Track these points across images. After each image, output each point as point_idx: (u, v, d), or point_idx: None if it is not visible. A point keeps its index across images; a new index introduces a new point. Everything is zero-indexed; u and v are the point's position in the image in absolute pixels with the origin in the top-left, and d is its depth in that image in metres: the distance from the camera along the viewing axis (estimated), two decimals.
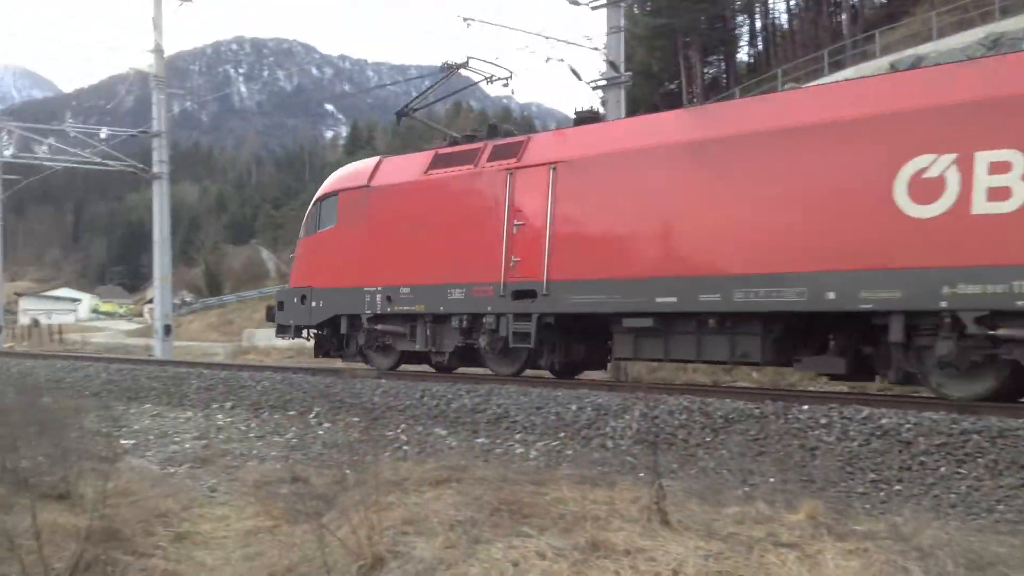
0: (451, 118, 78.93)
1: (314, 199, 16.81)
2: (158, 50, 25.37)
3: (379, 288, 14.63)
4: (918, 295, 9.23)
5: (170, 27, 24.77)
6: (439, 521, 5.38)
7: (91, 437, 10.20)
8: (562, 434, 9.64)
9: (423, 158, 14.93)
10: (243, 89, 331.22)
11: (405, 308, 14.26)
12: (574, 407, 10.03)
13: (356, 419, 11.49)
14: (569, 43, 16.92)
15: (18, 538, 5.18)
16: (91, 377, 16.85)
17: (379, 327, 14.83)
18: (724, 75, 47.34)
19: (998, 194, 8.76)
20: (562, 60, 16.84)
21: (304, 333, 16.38)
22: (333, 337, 15.93)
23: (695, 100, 37.93)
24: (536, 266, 12.56)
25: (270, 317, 17.44)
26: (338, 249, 15.60)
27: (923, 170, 9.25)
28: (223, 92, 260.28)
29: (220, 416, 12.77)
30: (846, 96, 10.54)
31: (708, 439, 8.74)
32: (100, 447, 9.50)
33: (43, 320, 71.69)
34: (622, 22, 17.01)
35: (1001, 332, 8.82)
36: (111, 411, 13.22)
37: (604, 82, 17.33)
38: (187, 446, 10.75)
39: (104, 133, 29.75)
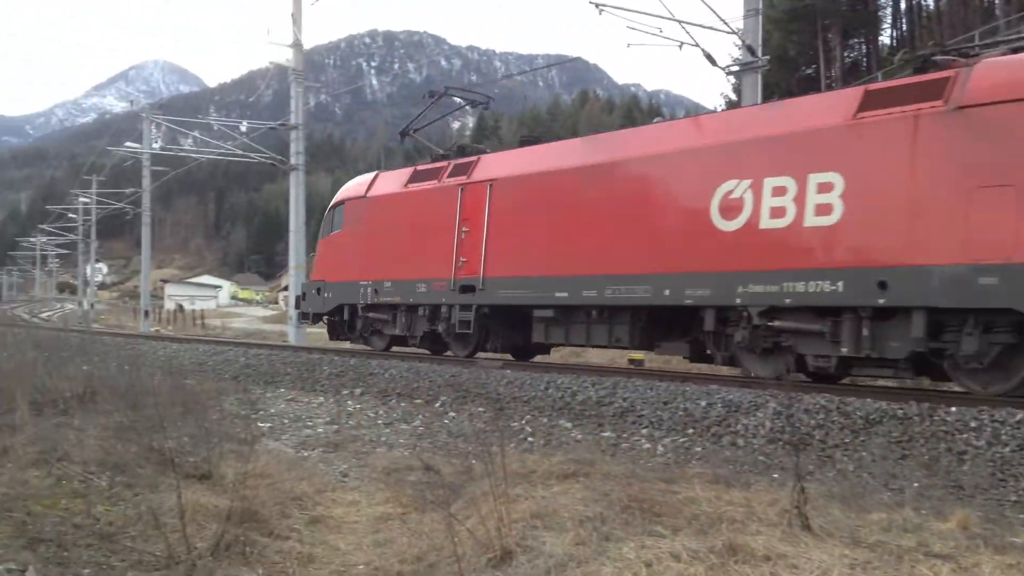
0: (578, 107, 78.66)
1: (328, 207, 19.68)
2: (296, 44, 26.18)
3: (370, 282, 17.41)
4: (722, 293, 11.48)
5: (308, 22, 25.54)
6: (568, 516, 5.30)
7: (231, 419, 10.61)
8: (690, 430, 9.41)
9: (406, 173, 17.83)
10: (374, 82, 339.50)
11: (387, 299, 17.07)
12: (703, 403, 9.78)
13: (481, 409, 11.56)
14: (703, 27, 16.44)
15: (163, 516, 5.39)
16: (231, 361, 17.56)
17: (370, 315, 17.70)
18: (865, 58, 45.30)
19: (777, 212, 10.94)
20: (696, 45, 16.37)
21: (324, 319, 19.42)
22: (341, 323, 18.71)
23: (833, 85, 36.46)
24: (476, 265, 15.03)
25: (297, 306, 20.85)
26: (343, 249, 18.56)
27: (729, 192, 11.42)
28: (356, 85, 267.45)
29: (350, 402, 13.08)
30: (685, 129, 13.30)
31: (847, 440, 8.35)
32: (239, 429, 9.85)
33: (187, 306, 75.53)
34: (760, 4, 16.45)
35: (776, 323, 11.04)
36: (249, 395, 13.72)
37: (738, 67, 16.84)
38: (319, 430, 11.02)
39: (245, 126, 31.00)
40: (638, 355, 17.30)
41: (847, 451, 8.18)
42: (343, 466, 8.81)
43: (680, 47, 16.62)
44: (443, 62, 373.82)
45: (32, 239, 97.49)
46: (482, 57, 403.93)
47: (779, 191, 10.89)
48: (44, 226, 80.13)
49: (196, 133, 36.27)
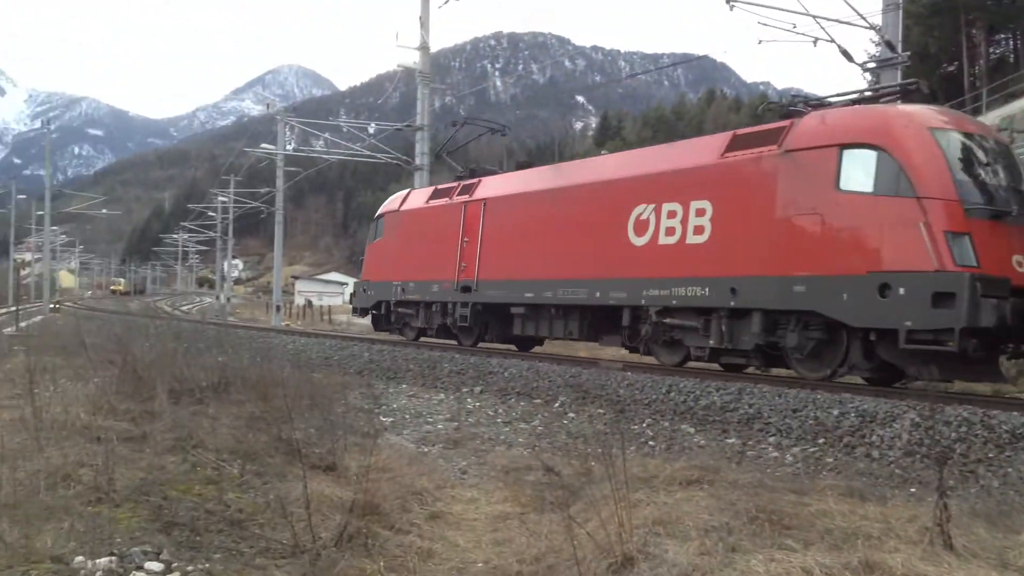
0: (704, 106, 77.29)
1: (374, 218, 23.25)
2: (423, 47, 26.67)
3: (400, 282, 20.69)
4: (633, 296, 14.23)
5: (434, 26, 26.03)
6: (692, 524, 5.13)
7: (355, 413, 10.83)
8: (821, 440, 9.03)
9: (429, 191, 21.19)
10: (498, 83, 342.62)
11: (411, 297, 20.36)
12: (835, 412, 9.37)
13: (601, 411, 11.43)
14: (840, 22, 15.80)
15: (290, 505, 5.50)
16: (355, 356, 17.99)
17: (399, 310, 21.07)
18: (1012, 54, 42.72)
19: (669, 231, 13.64)
20: (831, 41, 15.76)
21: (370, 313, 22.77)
22: (380, 316, 22.09)
23: (977, 83, 34.52)
24: (472, 269, 18.01)
25: (351, 301, 25.94)
26: (381, 254, 22.02)
27: (640, 214, 14.20)
28: (480, 87, 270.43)
29: (470, 400, 13.17)
30: (615, 161, 16.46)
31: (991, 455, 7.83)
32: (363, 423, 10.04)
33: (315, 301, 77.99)
34: None
35: (667, 320, 13.80)
36: (372, 389, 14.00)
37: (876, 64, 16.12)
38: (439, 427, 11.13)
39: (372, 128, 31.83)
40: None
41: (991, 467, 7.67)
42: (462, 463, 8.85)
43: (815, 43, 16.04)
44: (567, 63, 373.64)
45: (174, 236, 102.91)
46: (606, 57, 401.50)
47: (671, 214, 13.66)
48: (185, 224, 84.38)
49: (327, 135, 37.45)
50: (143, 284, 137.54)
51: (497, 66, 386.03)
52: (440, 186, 20.98)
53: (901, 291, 10.48)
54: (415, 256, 20.25)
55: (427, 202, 20.40)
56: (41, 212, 61.12)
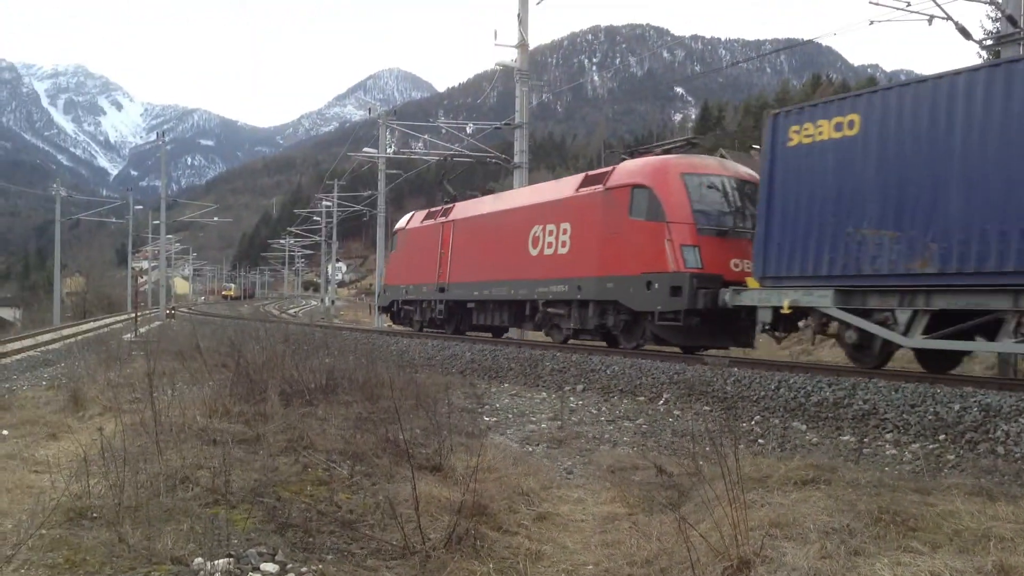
0: (809, 92, 74.84)
1: (391, 233, 30.03)
2: (522, 45, 26.64)
3: (403, 285, 26.22)
4: (531, 292, 19.04)
5: (532, 23, 25.93)
6: (811, 526, 4.93)
7: (458, 413, 10.88)
8: (942, 436, 8.62)
9: (424, 213, 26.57)
10: (595, 78, 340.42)
11: (411, 297, 25.66)
12: (956, 406, 8.92)
13: (707, 408, 11.19)
14: None
15: (399, 506, 5.54)
16: (457, 356, 18.10)
17: (404, 307, 26.53)
18: None
19: (550, 245, 18.49)
20: (948, 18, 15.02)
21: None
22: (394, 312, 27.57)
23: None
24: (446, 274, 23.17)
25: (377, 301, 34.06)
26: (394, 263, 27.80)
27: (535, 232, 19.02)
28: (577, 82, 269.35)
29: (572, 398, 13.08)
30: (525, 193, 21.90)
31: None
32: (467, 423, 10.09)
33: None
34: None
35: (550, 310, 18.53)
36: (475, 389, 14.06)
37: (994, 41, 15.29)
38: (543, 426, 11.08)
39: (470, 128, 32.02)
40: None
41: None
42: (567, 463, 8.78)
43: (930, 21, 15.31)
44: (665, 54, 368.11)
45: (281, 241, 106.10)
46: (706, 46, 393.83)
47: (551, 232, 18.56)
48: (292, 229, 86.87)
49: (426, 136, 37.92)
50: (252, 289, 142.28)
51: (594, 60, 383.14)
52: (432, 209, 26.27)
53: (656, 285, 15.28)
54: (413, 265, 25.64)
55: (422, 222, 25.86)
56: (157, 221, 63.85)
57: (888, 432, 9.14)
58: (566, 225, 17.98)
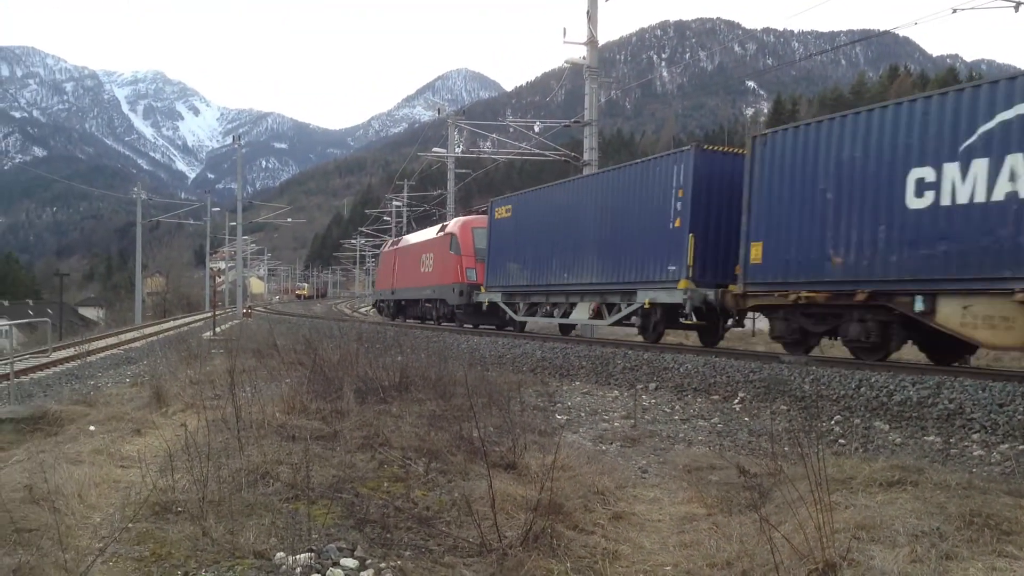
0: (886, 84, 72.81)
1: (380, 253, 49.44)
2: (591, 42, 26.49)
3: (380, 290, 41.30)
4: (419, 294, 32.97)
5: (601, 20, 25.75)
6: (899, 529, 4.77)
7: (531, 411, 10.86)
8: None
9: (390, 241, 43.26)
10: (664, 73, 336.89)
11: (382, 297, 40.41)
12: None
13: (785, 407, 10.96)
14: None
15: (474, 504, 5.54)
16: (528, 355, 18.08)
17: (380, 304, 41.39)
18: None
19: (426, 266, 32.09)
20: None
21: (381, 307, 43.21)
22: (379, 309, 42.17)
23: None
24: (394, 283, 36.98)
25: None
26: (378, 275, 44.47)
27: (423, 258, 32.53)
28: (646, 79, 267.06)
29: (645, 397, 12.94)
30: (423, 233, 36.14)
31: None
32: (539, 421, 10.06)
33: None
34: None
35: (426, 304, 32.33)
36: (547, 387, 14.02)
37: None
38: (616, 424, 10.98)
39: (538, 126, 32.03)
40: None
41: None
42: (642, 461, 8.68)
43: (1016, 8, 14.79)
44: (736, 48, 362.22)
45: (352, 241, 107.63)
46: (778, 39, 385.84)
47: (427, 258, 31.37)
48: (362, 229, 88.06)
49: (494, 135, 38.05)
50: (324, 288, 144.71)
51: (663, 56, 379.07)
52: (397, 238, 42.66)
53: (455, 290, 27.79)
54: (383, 276, 40.37)
55: (389, 247, 40.39)
56: (233, 223, 65.38)
57: (975, 432, 8.84)
58: (431, 255, 31.15)
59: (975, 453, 8.37)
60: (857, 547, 4.54)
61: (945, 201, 11.58)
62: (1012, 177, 10.65)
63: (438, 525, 5.45)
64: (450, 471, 6.83)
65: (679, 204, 16.73)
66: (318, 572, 4.49)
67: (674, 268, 16.97)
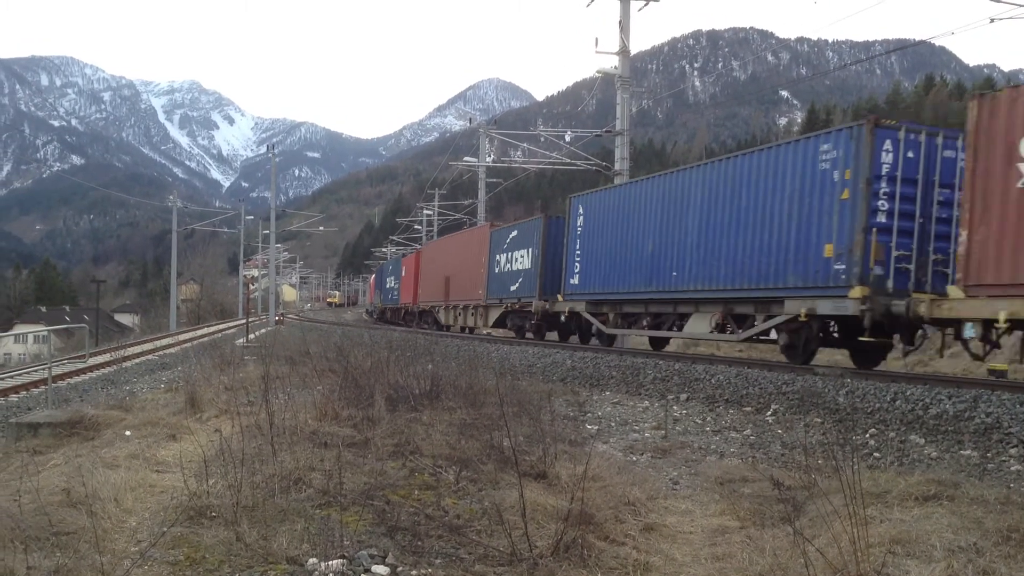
0: (921, 94, 72.04)
1: (398, 261, 55.82)
2: (623, 51, 26.44)
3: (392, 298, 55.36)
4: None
5: (633, 30, 25.68)
6: (935, 544, 4.71)
7: (561, 420, 10.84)
8: None
9: (415, 251, 52.13)
10: (696, 83, 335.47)
11: (388, 305, 57.10)
12: None
13: (818, 420, 10.85)
14: None
15: (505, 512, 5.54)
16: (558, 364, 18.06)
17: (386, 314, 57.80)
18: None
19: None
20: None
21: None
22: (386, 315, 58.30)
23: None
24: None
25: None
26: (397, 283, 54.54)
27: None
28: (678, 88, 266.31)
29: (676, 407, 12.87)
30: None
31: None
32: (569, 431, 10.03)
33: None
34: None
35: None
36: (577, 396, 13.99)
37: None
38: (647, 435, 10.93)
39: (569, 136, 32.08)
40: (1000, 365, 15.55)
41: None
42: (673, 473, 8.63)
43: None
44: (769, 57, 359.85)
45: (383, 249, 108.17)
46: (812, 48, 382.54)
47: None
48: (394, 237, 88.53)
49: (525, 144, 38.16)
50: (356, 296, 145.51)
51: (696, 65, 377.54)
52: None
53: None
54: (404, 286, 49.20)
55: (403, 256, 49.04)
56: (267, 231, 66.02)
57: (1013, 447, 8.69)
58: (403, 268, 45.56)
59: (1013, 468, 8.23)
60: (892, 562, 4.48)
61: None
62: None
63: (469, 534, 5.46)
64: (480, 480, 6.84)
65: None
66: None
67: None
